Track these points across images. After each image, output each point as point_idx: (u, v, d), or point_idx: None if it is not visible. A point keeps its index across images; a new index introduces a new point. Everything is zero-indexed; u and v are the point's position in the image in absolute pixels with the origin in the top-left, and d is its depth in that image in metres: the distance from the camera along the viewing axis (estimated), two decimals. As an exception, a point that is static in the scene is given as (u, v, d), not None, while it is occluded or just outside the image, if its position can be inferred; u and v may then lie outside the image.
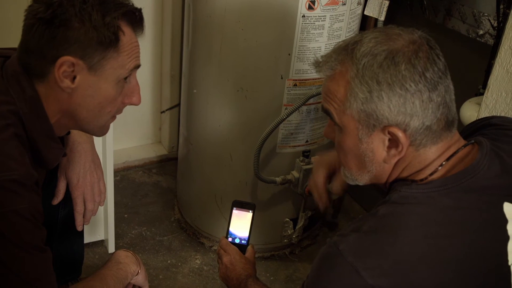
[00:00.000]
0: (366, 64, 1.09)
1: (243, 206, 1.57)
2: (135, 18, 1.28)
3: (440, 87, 1.09)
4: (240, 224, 1.57)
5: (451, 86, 1.12)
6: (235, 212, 1.57)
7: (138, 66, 1.32)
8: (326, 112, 1.18)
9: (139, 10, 1.29)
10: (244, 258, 1.54)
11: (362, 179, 1.20)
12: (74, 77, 1.23)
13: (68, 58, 1.20)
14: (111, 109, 1.33)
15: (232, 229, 1.57)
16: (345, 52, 1.13)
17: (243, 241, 1.57)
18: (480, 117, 1.61)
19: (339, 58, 1.13)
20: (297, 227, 2.31)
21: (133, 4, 1.28)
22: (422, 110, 1.08)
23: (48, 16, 1.19)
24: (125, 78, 1.30)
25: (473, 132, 1.28)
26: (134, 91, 1.34)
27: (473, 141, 1.18)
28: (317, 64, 1.18)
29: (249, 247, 1.57)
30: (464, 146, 1.15)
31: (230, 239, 1.57)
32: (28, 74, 1.25)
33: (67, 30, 1.19)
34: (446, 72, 1.11)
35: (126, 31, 1.26)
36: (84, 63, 1.22)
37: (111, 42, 1.22)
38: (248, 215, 1.56)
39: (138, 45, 1.31)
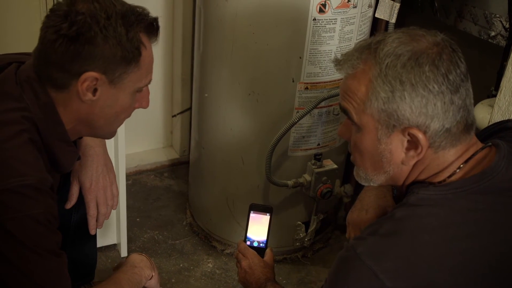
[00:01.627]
0: (389, 63, 1.08)
1: (260, 209, 1.56)
2: (153, 29, 1.29)
3: (461, 89, 1.08)
4: (258, 227, 1.56)
5: (471, 90, 1.12)
6: (253, 215, 1.56)
7: (151, 80, 1.35)
8: (344, 111, 1.17)
9: (157, 20, 1.30)
10: (263, 262, 1.54)
11: (378, 180, 1.19)
12: (95, 90, 1.25)
13: (92, 74, 1.22)
14: (125, 116, 1.36)
15: (250, 232, 1.57)
16: (368, 51, 1.12)
17: (261, 244, 1.56)
18: (493, 119, 1.60)
19: (361, 57, 1.12)
20: (309, 230, 2.31)
21: (151, 15, 1.29)
22: (443, 112, 1.07)
23: (72, 34, 1.19)
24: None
25: (489, 136, 1.27)
26: (145, 96, 1.37)
27: (490, 143, 1.17)
28: (338, 62, 1.17)
29: (267, 250, 1.57)
30: (482, 148, 1.15)
31: (248, 243, 1.56)
32: (42, 81, 1.26)
33: (91, 47, 1.20)
34: (467, 76, 1.11)
35: (147, 44, 1.28)
36: (106, 77, 1.24)
37: (134, 57, 1.24)
38: (266, 218, 1.56)
39: (153, 56, 1.33)
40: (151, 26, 1.28)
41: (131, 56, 1.24)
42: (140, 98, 1.36)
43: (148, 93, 1.38)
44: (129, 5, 1.26)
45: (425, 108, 1.07)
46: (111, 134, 1.42)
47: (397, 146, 1.12)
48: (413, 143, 1.11)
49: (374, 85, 1.09)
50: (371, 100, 1.10)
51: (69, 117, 1.29)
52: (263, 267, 1.52)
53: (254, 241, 1.56)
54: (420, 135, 1.09)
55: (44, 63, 1.25)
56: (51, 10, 1.25)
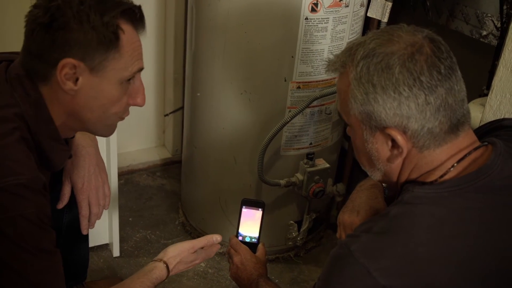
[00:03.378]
0: (363, 66, 1.10)
1: (252, 204, 1.56)
2: (135, 16, 1.27)
3: (439, 89, 1.08)
4: (250, 222, 1.56)
5: (458, 87, 1.11)
6: (244, 210, 1.56)
7: (141, 69, 1.31)
8: (338, 111, 1.21)
9: (139, 8, 1.28)
10: (255, 258, 1.54)
11: (375, 175, 1.21)
12: (77, 79, 1.23)
13: (69, 61, 1.20)
14: (116, 110, 1.32)
15: (242, 228, 1.56)
16: (348, 53, 1.14)
17: (253, 240, 1.56)
18: (484, 118, 1.61)
19: (342, 60, 1.15)
20: (301, 230, 2.31)
21: (132, 2, 1.27)
22: (419, 112, 1.08)
23: (47, 20, 1.19)
24: (129, 80, 1.29)
25: (484, 134, 1.27)
26: (139, 91, 1.33)
27: (486, 142, 1.17)
28: (327, 65, 1.20)
29: (260, 246, 1.57)
30: (477, 147, 1.15)
31: (240, 238, 1.56)
32: (31, 77, 1.25)
33: (66, 33, 1.19)
34: (451, 73, 1.10)
35: (126, 29, 1.24)
36: (85, 65, 1.22)
37: (111, 41, 1.22)
38: (258, 213, 1.55)
39: (140, 45, 1.30)
40: (130, 12, 1.25)
41: (107, 41, 1.21)
42: (133, 93, 1.32)
43: (143, 88, 1.34)
44: None
45: (399, 109, 1.08)
46: (107, 130, 1.39)
47: (382, 145, 1.14)
48: (396, 142, 1.12)
49: (351, 87, 1.12)
50: (351, 102, 1.13)
51: (57, 112, 1.28)
52: (255, 263, 1.52)
53: (246, 236, 1.56)
54: (398, 136, 1.10)
55: (28, 55, 1.25)
56: (34, 4, 1.24)
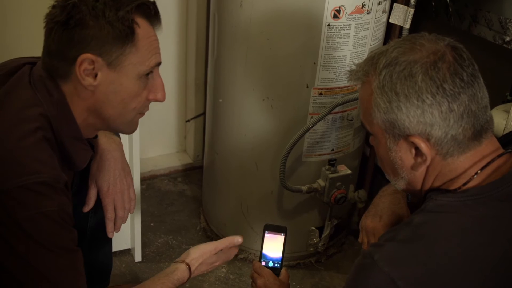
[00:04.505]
0: (386, 75, 1.11)
1: (275, 229, 1.58)
2: (150, 11, 1.29)
3: (462, 96, 1.08)
4: (273, 247, 1.57)
5: (480, 94, 1.10)
6: (267, 235, 1.57)
7: (159, 63, 1.33)
8: (361, 121, 1.21)
9: (153, 3, 1.30)
10: (278, 280, 1.54)
11: (399, 184, 1.21)
12: (96, 75, 1.26)
13: (87, 56, 1.23)
14: (136, 105, 1.33)
15: (265, 252, 1.58)
16: (370, 62, 1.15)
17: (276, 264, 1.57)
18: (508, 125, 1.60)
19: (364, 69, 1.16)
20: (323, 236, 2.31)
21: None
22: (443, 120, 1.08)
23: (64, 18, 1.22)
24: (147, 74, 1.31)
25: (509, 142, 1.27)
26: (158, 87, 1.35)
27: (510, 149, 1.16)
28: (349, 74, 1.21)
29: (283, 270, 1.57)
30: (501, 155, 1.14)
31: (263, 263, 1.57)
32: (53, 77, 1.28)
33: (83, 29, 1.22)
34: (473, 80, 1.10)
35: (142, 24, 1.27)
36: (103, 60, 1.24)
37: (127, 35, 1.24)
38: (280, 238, 1.57)
39: (156, 39, 1.32)
40: (145, 7, 1.27)
41: (123, 35, 1.23)
42: (153, 88, 1.34)
43: (162, 83, 1.36)
44: None
45: (422, 117, 1.08)
46: (128, 127, 1.40)
47: (406, 153, 1.14)
48: (419, 150, 1.12)
49: (374, 96, 1.12)
50: (374, 110, 1.13)
51: (79, 109, 1.30)
52: (279, 286, 1.53)
53: (269, 260, 1.57)
54: (422, 143, 1.10)
55: (48, 55, 1.28)
56: (52, 5, 1.27)
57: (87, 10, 1.22)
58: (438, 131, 1.09)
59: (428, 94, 1.07)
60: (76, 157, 1.35)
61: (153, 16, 1.30)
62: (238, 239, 1.57)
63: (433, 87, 1.07)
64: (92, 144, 1.49)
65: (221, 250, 1.57)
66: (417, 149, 1.12)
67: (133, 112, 1.35)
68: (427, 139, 1.10)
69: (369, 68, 1.15)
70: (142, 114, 1.39)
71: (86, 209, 1.60)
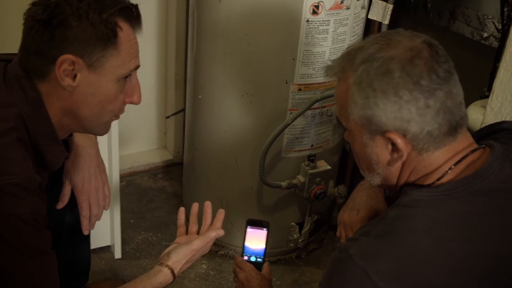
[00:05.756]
0: (363, 71, 1.10)
1: (257, 224, 1.58)
2: (132, 15, 1.28)
3: (438, 93, 1.08)
4: (255, 242, 1.58)
5: (456, 90, 1.11)
6: (249, 230, 1.58)
7: (137, 67, 1.33)
8: (337, 117, 1.21)
9: (136, 6, 1.30)
10: (260, 275, 1.54)
11: (374, 180, 1.21)
12: (75, 76, 1.24)
13: (68, 57, 1.21)
14: (113, 108, 1.33)
15: (247, 246, 1.58)
16: (347, 58, 1.15)
17: (258, 259, 1.57)
18: (485, 121, 1.61)
19: (341, 65, 1.16)
20: (303, 231, 2.31)
21: (129, 1, 1.29)
22: (419, 116, 1.08)
23: (46, 17, 1.20)
24: (126, 77, 1.30)
25: (483, 137, 1.27)
26: (135, 89, 1.35)
27: (484, 145, 1.17)
28: (326, 70, 1.21)
29: (265, 264, 1.57)
30: (475, 150, 1.15)
31: (245, 258, 1.57)
32: (29, 76, 1.26)
33: (65, 29, 1.21)
34: (449, 77, 1.10)
35: (124, 27, 1.26)
36: (83, 61, 1.23)
37: (109, 38, 1.23)
38: (263, 232, 1.57)
39: (136, 43, 1.31)
40: (127, 10, 1.27)
41: (106, 38, 1.22)
42: (129, 91, 1.33)
43: (139, 86, 1.35)
44: None
45: (399, 113, 1.08)
46: (102, 128, 1.39)
47: (382, 149, 1.14)
48: (396, 146, 1.12)
49: (351, 92, 1.12)
50: (351, 106, 1.13)
51: (55, 109, 1.29)
52: (260, 280, 1.53)
53: (251, 255, 1.57)
54: (398, 139, 1.10)
55: (26, 53, 1.26)
56: (33, 2, 1.25)
57: (70, 10, 1.20)
58: (415, 127, 1.09)
59: (405, 90, 1.07)
60: (51, 157, 1.33)
61: (135, 19, 1.30)
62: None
63: (410, 83, 1.07)
64: (67, 142, 1.47)
65: None
66: (393, 144, 1.12)
67: (109, 114, 1.35)
68: (403, 135, 1.10)
69: (345, 64, 1.14)
70: (117, 117, 1.39)
71: (61, 205, 1.58)
